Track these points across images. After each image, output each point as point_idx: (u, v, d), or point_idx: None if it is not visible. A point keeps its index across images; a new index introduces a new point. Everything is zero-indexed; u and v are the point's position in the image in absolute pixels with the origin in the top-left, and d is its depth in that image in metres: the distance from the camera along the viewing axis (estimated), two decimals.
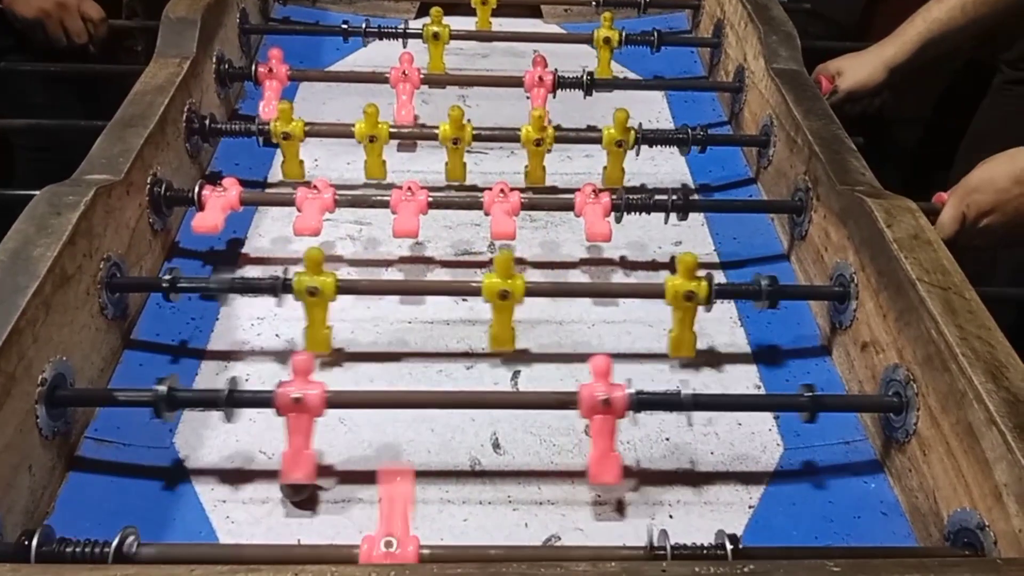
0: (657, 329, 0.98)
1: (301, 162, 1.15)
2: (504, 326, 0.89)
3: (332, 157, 1.24)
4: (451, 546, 0.72)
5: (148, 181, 0.98)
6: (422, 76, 1.27)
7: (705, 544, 0.66)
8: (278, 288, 0.87)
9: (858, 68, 1.37)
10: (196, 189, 1.00)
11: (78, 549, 0.63)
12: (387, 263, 1.07)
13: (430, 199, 1.02)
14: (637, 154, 1.14)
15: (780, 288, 0.91)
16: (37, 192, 0.86)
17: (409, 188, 1.02)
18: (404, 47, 1.35)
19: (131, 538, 0.64)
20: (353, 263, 1.07)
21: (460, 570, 0.52)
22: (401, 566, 0.51)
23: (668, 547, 0.65)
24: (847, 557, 0.62)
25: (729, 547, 0.65)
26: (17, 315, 0.71)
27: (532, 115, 1.11)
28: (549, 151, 1.14)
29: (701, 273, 0.88)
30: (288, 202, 1.02)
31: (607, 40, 1.37)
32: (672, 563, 0.53)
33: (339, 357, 0.93)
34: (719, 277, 1.07)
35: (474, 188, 1.18)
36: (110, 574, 0.51)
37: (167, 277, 0.88)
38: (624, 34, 1.38)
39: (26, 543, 0.61)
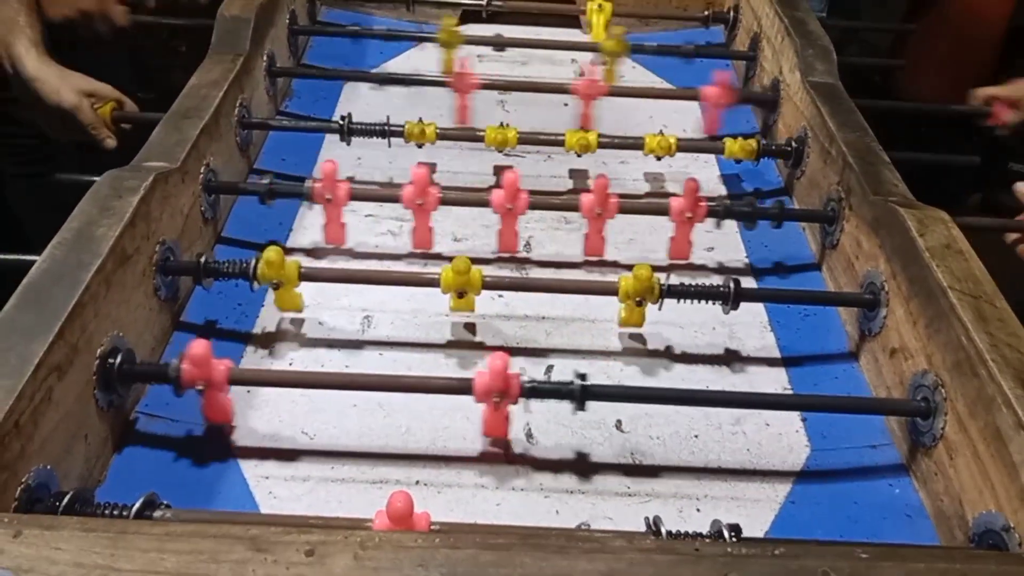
0: (688, 331, 1.00)
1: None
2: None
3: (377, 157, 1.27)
4: (489, 524, 0.75)
5: (202, 170, 1.02)
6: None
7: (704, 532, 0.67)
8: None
9: None
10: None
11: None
12: (426, 257, 1.10)
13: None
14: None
15: (810, 293, 0.94)
16: (91, 178, 0.90)
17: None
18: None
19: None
20: (395, 257, 1.10)
21: (502, 539, 0.54)
22: (446, 534, 0.54)
23: (663, 532, 0.67)
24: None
25: (728, 535, 0.65)
26: (81, 289, 0.75)
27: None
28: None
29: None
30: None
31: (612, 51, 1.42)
32: (706, 543, 0.55)
33: (378, 346, 0.97)
34: (750, 283, 1.09)
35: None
36: (171, 529, 0.54)
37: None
38: (631, 45, 1.43)
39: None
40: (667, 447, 0.86)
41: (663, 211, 1.08)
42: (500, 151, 1.22)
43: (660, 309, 0.94)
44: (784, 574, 0.53)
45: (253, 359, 0.94)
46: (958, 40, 1.83)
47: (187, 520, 0.66)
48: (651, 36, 1.61)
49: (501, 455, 0.84)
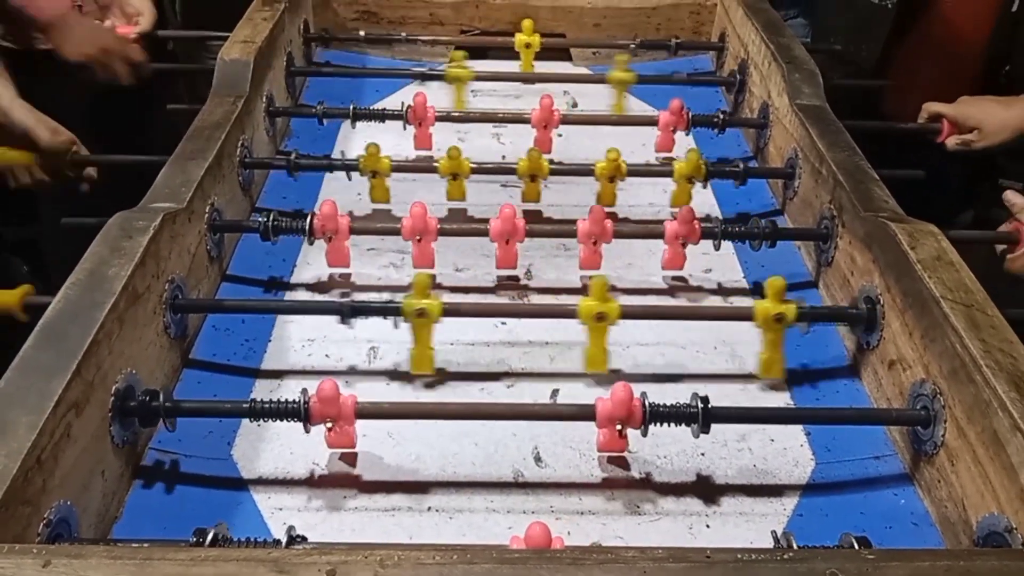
0: (690, 351, 1.02)
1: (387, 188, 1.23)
2: (598, 347, 0.96)
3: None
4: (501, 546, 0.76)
5: (207, 210, 1.04)
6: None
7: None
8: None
9: (1000, 130, 1.38)
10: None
11: None
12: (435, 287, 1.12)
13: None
14: (704, 186, 1.25)
15: (813, 310, 0.97)
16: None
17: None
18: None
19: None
20: (397, 289, 1.12)
21: (518, 554, 0.55)
22: (463, 550, 0.55)
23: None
24: None
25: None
26: (96, 328, 0.76)
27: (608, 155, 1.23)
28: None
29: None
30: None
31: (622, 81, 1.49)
32: (716, 550, 0.56)
33: (384, 376, 0.98)
34: (749, 303, 1.11)
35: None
36: (195, 553, 0.55)
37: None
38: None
39: None
40: (674, 465, 0.88)
41: (658, 235, 1.10)
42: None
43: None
44: None
45: (262, 392, 0.95)
46: (941, 61, 1.87)
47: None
48: (642, 66, 1.64)
49: (510, 479, 0.86)
